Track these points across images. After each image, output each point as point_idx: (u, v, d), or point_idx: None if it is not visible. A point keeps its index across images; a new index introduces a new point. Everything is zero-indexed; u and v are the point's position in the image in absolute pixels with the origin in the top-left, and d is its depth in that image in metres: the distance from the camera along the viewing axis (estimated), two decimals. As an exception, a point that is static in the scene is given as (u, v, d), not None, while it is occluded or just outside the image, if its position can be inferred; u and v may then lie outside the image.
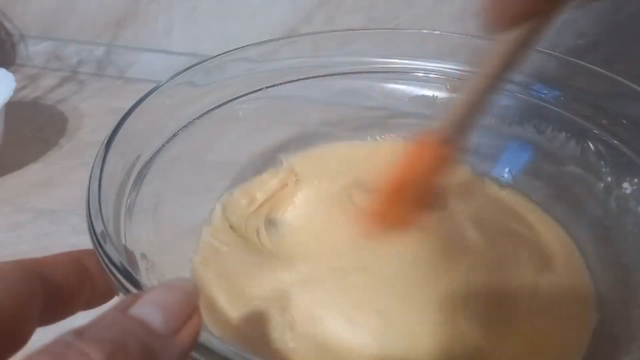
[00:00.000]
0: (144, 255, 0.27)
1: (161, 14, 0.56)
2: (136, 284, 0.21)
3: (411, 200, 0.28)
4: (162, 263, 0.28)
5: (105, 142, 0.28)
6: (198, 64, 0.35)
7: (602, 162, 0.34)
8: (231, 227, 0.35)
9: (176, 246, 0.33)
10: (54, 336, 0.14)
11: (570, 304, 0.30)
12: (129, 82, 0.60)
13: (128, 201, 0.28)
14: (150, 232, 0.30)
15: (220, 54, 0.36)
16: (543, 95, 0.36)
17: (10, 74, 0.48)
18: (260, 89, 0.38)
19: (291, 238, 0.35)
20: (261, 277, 0.31)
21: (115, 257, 0.21)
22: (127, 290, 0.20)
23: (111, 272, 0.21)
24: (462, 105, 0.24)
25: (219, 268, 0.32)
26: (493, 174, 0.39)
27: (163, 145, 0.33)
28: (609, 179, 0.33)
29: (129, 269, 0.21)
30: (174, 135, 0.33)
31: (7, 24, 0.61)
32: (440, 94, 0.40)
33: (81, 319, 0.17)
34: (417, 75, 0.40)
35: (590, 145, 0.34)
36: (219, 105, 0.36)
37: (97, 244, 0.22)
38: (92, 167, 0.26)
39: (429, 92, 0.40)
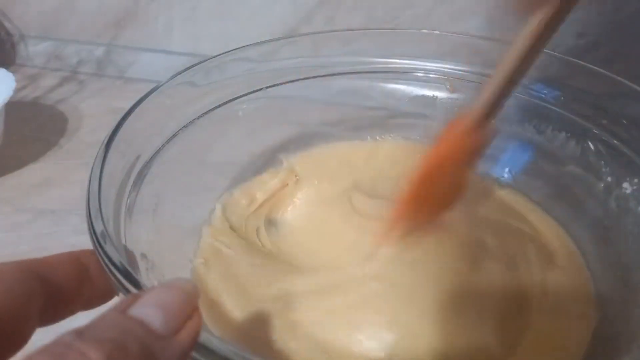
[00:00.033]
0: (144, 255, 0.27)
1: (161, 14, 0.56)
2: (136, 284, 0.21)
3: (439, 194, 0.27)
4: (162, 263, 0.28)
5: (105, 142, 0.28)
6: (198, 64, 0.35)
7: (602, 162, 0.34)
8: (231, 227, 0.35)
9: (176, 246, 0.33)
10: (54, 336, 0.14)
11: (571, 303, 0.30)
12: (129, 82, 0.60)
13: (128, 201, 0.28)
14: (150, 232, 0.30)
15: (220, 54, 0.36)
16: (543, 95, 0.36)
17: (10, 74, 0.48)
18: (260, 89, 0.38)
19: (291, 238, 0.35)
20: (267, 280, 0.31)
21: (115, 257, 0.21)
22: (127, 290, 0.20)
23: (111, 272, 0.21)
24: (492, 89, 0.24)
25: (222, 270, 0.32)
26: (493, 174, 0.39)
27: (163, 145, 0.33)
28: (609, 179, 0.33)
29: (129, 269, 0.21)
30: (174, 135, 0.33)
31: (7, 24, 0.61)
32: (440, 94, 0.40)
33: (81, 319, 0.17)
34: (417, 75, 0.40)
35: (590, 145, 0.34)
36: (219, 105, 0.36)
37: (97, 244, 0.22)
38: (92, 167, 0.26)
39: (429, 92, 0.40)
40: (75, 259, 0.21)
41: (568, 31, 0.48)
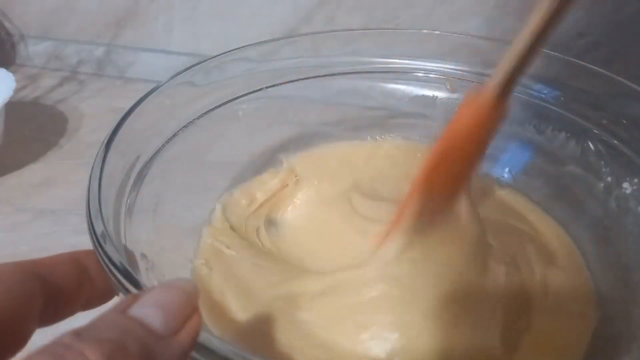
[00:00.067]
0: (144, 255, 0.27)
1: (161, 14, 0.56)
2: (136, 284, 0.21)
3: (455, 173, 0.26)
4: (162, 263, 0.28)
5: (105, 142, 0.28)
6: (198, 64, 0.35)
7: (602, 162, 0.34)
8: (231, 227, 0.35)
9: (176, 246, 0.33)
10: (53, 337, 0.14)
11: (571, 303, 0.30)
12: (129, 82, 0.60)
13: (128, 201, 0.28)
14: (150, 232, 0.30)
15: (220, 54, 0.36)
16: (543, 95, 0.36)
17: (10, 74, 0.48)
18: (260, 89, 0.38)
19: (291, 238, 0.35)
20: (270, 281, 0.31)
21: (115, 257, 0.21)
22: (127, 290, 0.20)
23: (111, 272, 0.21)
24: (508, 64, 0.23)
25: (223, 270, 0.32)
26: (493, 174, 0.39)
27: (163, 145, 0.33)
28: (609, 179, 0.33)
29: (129, 269, 0.21)
30: (174, 135, 0.33)
31: (7, 24, 0.61)
32: (440, 94, 0.40)
33: (81, 319, 0.17)
34: (417, 75, 0.40)
35: (590, 145, 0.34)
36: (219, 105, 0.36)
37: (97, 244, 0.22)
38: (92, 167, 0.26)
39: (429, 92, 0.40)
40: (75, 260, 0.21)
41: (568, 31, 0.48)
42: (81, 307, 0.21)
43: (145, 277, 0.25)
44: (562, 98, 0.35)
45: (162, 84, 0.33)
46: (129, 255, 0.25)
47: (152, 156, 0.32)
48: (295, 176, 0.39)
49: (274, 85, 0.38)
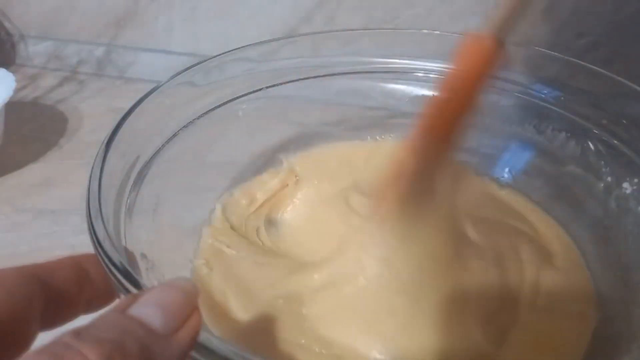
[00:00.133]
0: (144, 255, 0.27)
1: (161, 14, 0.56)
2: (136, 284, 0.21)
3: (465, 107, 0.27)
4: (162, 263, 0.28)
5: (105, 142, 0.28)
6: (198, 64, 0.35)
7: (602, 162, 0.34)
8: (231, 227, 0.35)
9: (176, 246, 0.33)
10: (54, 337, 0.14)
11: (570, 303, 0.30)
12: (129, 82, 0.60)
13: (128, 201, 0.28)
14: (150, 232, 0.30)
15: (220, 54, 0.36)
16: (543, 95, 0.36)
17: (10, 74, 0.48)
18: (260, 89, 0.38)
19: (291, 238, 0.35)
20: (270, 279, 0.31)
21: (116, 258, 0.21)
22: (127, 291, 0.20)
23: (111, 273, 0.21)
24: (506, 6, 0.24)
25: (224, 270, 0.32)
26: (493, 174, 0.39)
27: (163, 145, 0.33)
28: (609, 179, 0.33)
29: (129, 269, 0.21)
30: (174, 135, 0.33)
31: (7, 24, 0.61)
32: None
33: (82, 320, 0.17)
34: (417, 75, 0.40)
35: (590, 145, 0.34)
36: (219, 105, 0.36)
37: (97, 244, 0.22)
38: (92, 167, 0.26)
39: (429, 92, 0.40)
40: (76, 263, 0.21)
41: (568, 31, 0.48)
42: (83, 310, 0.21)
43: (145, 277, 0.25)
44: (562, 98, 0.35)
45: (162, 84, 0.33)
46: (129, 255, 0.25)
47: (152, 156, 0.32)
48: (295, 176, 0.39)
49: (274, 85, 0.38)
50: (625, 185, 0.32)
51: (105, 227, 0.23)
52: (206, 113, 0.36)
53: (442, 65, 0.39)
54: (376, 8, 0.51)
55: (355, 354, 0.27)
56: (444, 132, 0.28)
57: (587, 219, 0.34)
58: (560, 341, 0.28)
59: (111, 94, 0.58)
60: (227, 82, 0.37)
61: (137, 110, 0.30)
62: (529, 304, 0.30)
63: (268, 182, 0.38)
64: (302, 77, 0.39)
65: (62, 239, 0.40)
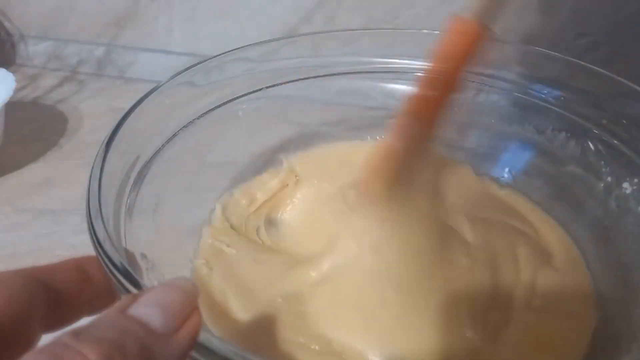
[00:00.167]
0: (144, 255, 0.27)
1: (161, 14, 0.56)
2: (136, 284, 0.21)
3: (449, 87, 0.28)
4: (162, 263, 0.28)
5: (105, 142, 0.28)
6: (198, 64, 0.35)
7: (602, 162, 0.34)
8: (232, 227, 0.35)
9: (176, 246, 0.33)
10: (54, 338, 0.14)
11: (570, 303, 0.30)
12: (129, 82, 0.60)
13: (128, 201, 0.28)
14: (150, 232, 0.30)
15: (220, 54, 0.36)
16: (543, 95, 0.36)
17: (10, 74, 0.48)
18: (260, 89, 0.38)
19: (290, 238, 0.35)
20: (270, 277, 0.31)
21: (116, 258, 0.21)
22: (127, 291, 0.20)
23: (111, 273, 0.21)
24: None
25: (224, 270, 0.32)
26: (493, 174, 0.39)
27: (163, 145, 0.33)
28: (609, 179, 0.33)
29: (129, 269, 0.21)
30: (174, 135, 0.33)
31: (7, 24, 0.61)
32: (440, 94, 0.40)
33: (85, 322, 0.17)
34: (417, 75, 0.40)
35: (590, 145, 0.34)
36: (219, 105, 0.36)
37: (97, 244, 0.22)
38: (92, 167, 0.26)
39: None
40: (77, 265, 0.21)
41: (568, 31, 0.48)
42: (85, 312, 0.21)
43: (145, 277, 0.25)
44: (562, 98, 0.35)
45: (162, 84, 0.33)
46: (129, 255, 0.25)
47: (152, 156, 0.32)
48: (295, 176, 0.39)
49: (274, 85, 0.38)
50: (625, 185, 0.32)
51: (105, 227, 0.23)
52: (206, 113, 0.36)
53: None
54: (376, 8, 0.51)
55: (353, 351, 0.27)
56: (428, 115, 0.29)
57: (587, 219, 0.34)
58: (560, 341, 0.28)
59: (111, 94, 0.58)
60: (227, 82, 0.37)
61: (137, 110, 0.30)
62: (524, 303, 0.30)
63: (268, 182, 0.38)
64: (302, 77, 0.39)
65: (62, 239, 0.40)
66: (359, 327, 0.28)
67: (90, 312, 0.21)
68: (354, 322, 0.28)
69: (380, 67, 0.40)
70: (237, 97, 0.37)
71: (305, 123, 0.41)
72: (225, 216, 0.36)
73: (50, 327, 0.20)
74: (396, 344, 0.27)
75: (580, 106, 0.34)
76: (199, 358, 0.18)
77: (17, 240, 0.40)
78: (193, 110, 0.35)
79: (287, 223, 0.37)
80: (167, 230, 0.32)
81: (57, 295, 0.20)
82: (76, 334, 0.14)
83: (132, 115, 0.30)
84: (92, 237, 0.23)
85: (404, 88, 0.40)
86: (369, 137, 0.41)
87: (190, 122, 0.35)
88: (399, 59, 0.40)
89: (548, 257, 0.33)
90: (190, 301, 0.17)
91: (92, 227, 0.23)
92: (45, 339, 0.18)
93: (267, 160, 0.39)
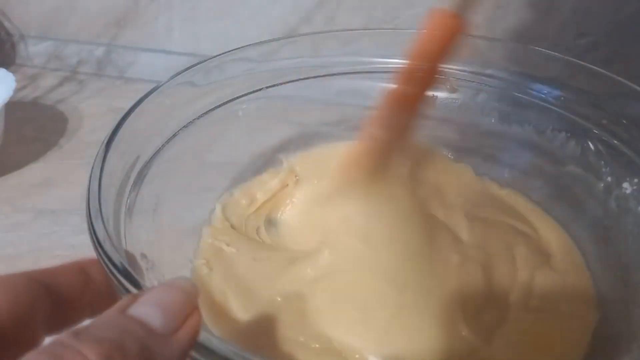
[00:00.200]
0: (144, 255, 0.27)
1: (161, 14, 0.56)
2: (136, 284, 0.21)
3: (427, 78, 0.30)
4: (162, 263, 0.28)
5: (105, 142, 0.28)
6: (198, 64, 0.35)
7: (602, 162, 0.34)
8: (232, 227, 0.35)
9: (176, 246, 0.33)
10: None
11: (570, 303, 0.30)
12: (129, 82, 0.60)
13: (128, 201, 0.28)
14: (150, 232, 0.30)
15: (220, 54, 0.36)
16: (543, 95, 0.36)
17: (10, 74, 0.48)
18: (260, 89, 0.38)
19: (290, 238, 0.35)
20: (269, 275, 0.31)
21: (116, 258, 0.21)
22: (127, 291, 0.20)
23: (111, 273, 0.21)
24: None
25: (224, 270, 0.32)
26: (493, 174, 0.39)
27: (163, 145, 0.33)
28: (609, 179, 0.33)
29: (129, 269, 0.21)
30: (174, 135, 0.33)
31: (7, 24, 0.61)
32: (440, 94, 0.40)
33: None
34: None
35: (590, 145, 0.34)
36: (219, 105, 0.36)
37: (97, 244, 0.22)
38: (92, 167, 0.26)
39: (429, 92, 0.40)
40: (79, 268, 0.21)
41: (568, 31, 0.48)
42: (88, 314, 0.21)
43: (145, 277, 0.25)
44: (562, 98, 0.35)
45: (162, 84, 0.33)
46: (129, 255, 0.25)
47: (152, 156, 0.32)
48: (295, 176, 0.39)
49: (274, 85, 0.38)
50: (625, 185, 0.32)
51: (105, 227, 0.23)
52: (206, 113, 0.36)
53: (442, 65, 0.39)
54: (376, 8, 0.51)
55: (352, 349, 0.27)
56: (406, 106, 0.30)
57: (587, 219, 0.34)
58: (560, 341, 0.28)
59: (111, 94, 0.58)
60: (227, 82, 0.37)
61: (137, 110, 0.30)
62: (521, 303, 0.30)
63: (268, 182, 0.38)
64: (302, 77, 0.39)
65: (62, 239, 0.40)
66: (357, 325, 0.28)
67: (92, 314, 0.22)
68: (352, 319, 0.28)
69: (380, 67, 0.40)
70: (237, 97, 0.37)
71: (305, 123, 0.41)
72: (225, 216, 0.36)
73: (53, 329, 0.20)
74: (394, 343, 0.27)
75: (580, 106, 0.34)
76: (199, 358, 0.18)
77: (17, 240, 0.40)
78: (193, 110, 0.35)
79: (286, 223, 0.37)
80: (167, 230, 0.32)
81: (60, 297, 0.20)
82: (76, 333, 0.14)
83: (132, 115, 0.30)
84: (92, 237, 0.23)
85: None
86: (369, 137, 0.41)
87: (190, 122, 0.35)
88: (399, 59, 0.40)
89: (547, 257, 0.33)
90: (190, 301, 0.17)
91: (92, 227, 0.23)
92: (48, 341, 0.18)
93: (267, 160, 0.39)
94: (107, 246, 0.22)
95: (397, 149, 0.32)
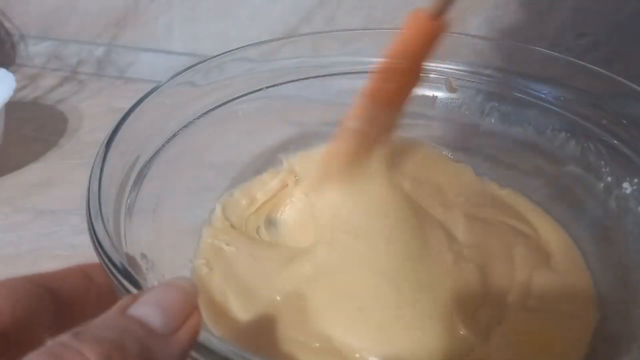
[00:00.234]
0: (144, 255, 0.27)
1: (161, 14, 0.56)
2: (136, 284, 0.21)
3: (405, 76, 0.31)
4: (162, 263, 0.28)
5: (105, 142, 0.28)
6: (198, 64, 0.35)
7: (602, 162, 0.34)
8: (232, 226, 0.35)
9: (176, 246, 0.33)
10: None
11: (570, 303, 0.30)
12: (129, 82, 0.60)
13: (128, 201, 0.28)
14: (150, 232, 0.30)
15: (220, 54, 0.36)
16: (543, 95, 0.36)
17: (10, 74, 0.48)
18: (260, 89, 0.38)
19: (290, 238, 0.35)
20: (268, 273, 0.31)
21: (115, 257, 0.21)
22: (127, 291, 0.20)
23: (111, 272, 0.21)
24: None
25: (224, 269, 0.32)
26: (493, 174, 0.39)
27: (163, 145, 0.33)
28: (609, 179, 0.33)
29: (129, 269, 0.21)
30: (174, 135, 0.33)
31: (7, 24, 0.61)
32: (440, 94, 0.40)
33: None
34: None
35: (590, 145, 0.34)
36: (219, 105, 0.36)
37: (97, 244, 0.22)
38: (92, 167, 0.26)
39: (429, 92, 0.40)
40: (83, 273, 0.21)
41: (568, 31, 0.48)
42: (90, 318, 0.21)
43: (145, 277, 0.25)
44: (562, 98, 0.35)
45: (162, 84, 0.33)
46: (129, 255, 0.25)
47: (152, 156, 0.32)
48: (295, 176, 0.39)
49: (274, 85, 0.38)
50: (625, 185, 0.32)
51: (105, 227, 0.23)
52: (206, 113, 0.36)
53: (442, 65, 0.39)
54: (376, 8, 0.51)
55: (352, 348, 0.27)
56: (385, 100, 0.31)
57: (587, 219, 0.34)
58: (560, 341, 0.28)
59: (111, 94, 0.58)
60: (227, 82, 0.37)
61: (137, 110, 0.30)
62: (519, 303, 0.30)
63: (268, 182, 0.38)
64: (302, 77, 0.39)
65: (62, 239, 0.40)
66: (356, 324, 0.28)
67: (95, 318, 0.22)
68: (351, 318, 0.28)
69: (380, 67, 0.40)
70: (237, 97, 0.37)
71: (305, 123, 0.41)
72: (225, 216, 0.36)
73: (56, 332, 0.20)
74: (393, 343, 0.27)
75: (580, 106, 0.34)
76: (199, 358, 0.18)
77: (17, 240, 0.40)
78: (193, 110, 0.35)
79: (286, 222, 0.37)
80: (167, 230, 0.32)
81: (63, 301, 0.20)
82: (76, 334, 0.14)
83: (132, 115, 0.30)
84: (92, 237, 0.23)
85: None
86: (369, 137, 0.41)
87: (190, 122, 0.35)
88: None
89: (547, 257, 0.33)
90: (190, 301, 0.17)
91: (92, 227, 0.23)
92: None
93: (267, 160, 0.39)
94: (107, 246, 0.22)
95: (375, 143, 0.33)
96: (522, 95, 0.37)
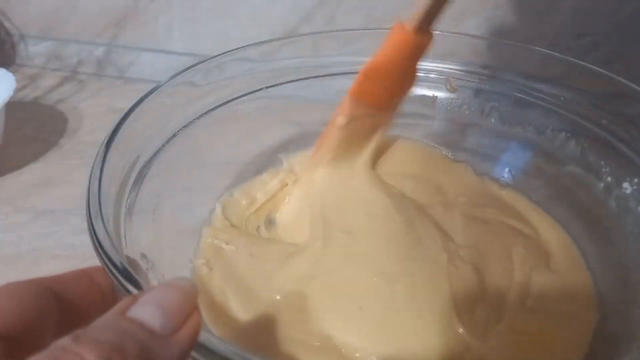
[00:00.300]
0: (144, 255, 0.27)
1: (161, 14, 0.56)
2: (136, 284, 0.21)
3: (390, 82, 0.33)
4: (162, 263, 0.28)
5: (105, 142, 0.28)
6: (198, 64, 0.35)
7: (602, 162, 0.34)
8: (232, 226, 0.35)
9: (176, 246, 0.33)
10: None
11: (570, 303, 0.30)
12: (129, 82, 0.60)
13: (128, 201, 0.28)
14: (150, 232, 0.30)
15: (220, 54, 0.36)
16: (543, 95, 0.36)
17: (10, 74, 0.48)
18: (260, 89, 0.38)
19: (287, 234, 0.35)
20: (268, 271, 0.31)
21: (115, 258, 0.21)
22: (127, 291, 0.20)
23: (111, 273, 0.21)
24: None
25: (224, 269, 0.32)
26: (493, 174, 0.39)
27: (163, 145, 0.33)
28: (609, 179, 0.33)
29: (129, 269, 0.21)
30: (174, 135, 0.33)
31: (7, 24, 0.61)
32: (440, 94, 0.40)
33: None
34: (417, 75, 0.40)
35: (590, 145, 0.34)
36: (219, 105, 0.36)
37: (97, 244, 0.22)
38: (92, 167, 0.26)
39: (429, 92, 0.40)
40: (87, 276, 0.22)
41: (568, 31, 0.48)
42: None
43: (145, 277, 0.25)
44: (562, 98, 0.35)
45: (162, 84, 0.33)
46: (129, 255, 0.25)
47: (152, 156, 0.32)
48: (295, 176, 0.39)
49: (274, 85, 0.38)
50: (625, 185, 0.32)
51: (105, 227, 0.23)
52: (206, 113, 0.36)
53: (442, 65, 0.39)
54: (376, 8, 0.51)
55: (351, 347, 0.27)
56: (372, 98, 0.33)
57: (587, 219, 0.34)
58: (560, 341, 0.28)
59: (111, 94, 0.58)
60: (227, 82, 0.37)
61: (137, 110, 0.30)
62: (518, 303, 0.30)
63: (268, 182, 0.38)
64: (302, 77, 0.39)
65: (62, 239, 0.40)
66: (355, 323, 0.28)
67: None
68: (350, 316, 0.28)
69: (380, 67, 0.40)
70: (237, 97, 0.37)
71: (305, 123, 0.41)
72: (225, 216, 0.36)
73: (61, 335, 0.20)
74: (391, 342, 0.27)
75: (580, 106, 0.34)
76: (199, 358, 0.18)
77: (17, 240, 0.40)
78: (193, 110, 0.35)
79: (285, 222, 0.37)
80: (167, 230, 0.32)
81: (68, 304, 0.20)
82: (76, 336, 0.14)
83: (132, 115, 0.30)
84: (92, 237, 0.23)
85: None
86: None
87: (190, 122, 0.35)
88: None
89: (547, 257, 0.33)
90: (190, 301, 0.17)
91: (92, 227, 0.23)
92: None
93: (267, 160, 0.39)
94: (107, 246, 0.22)
95: (362, 140, 0.34)
96: (522, 95, 0.37)
